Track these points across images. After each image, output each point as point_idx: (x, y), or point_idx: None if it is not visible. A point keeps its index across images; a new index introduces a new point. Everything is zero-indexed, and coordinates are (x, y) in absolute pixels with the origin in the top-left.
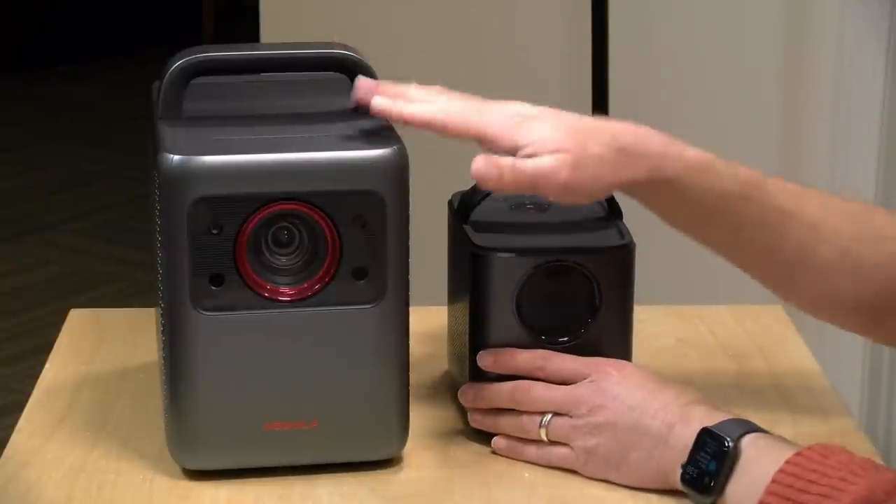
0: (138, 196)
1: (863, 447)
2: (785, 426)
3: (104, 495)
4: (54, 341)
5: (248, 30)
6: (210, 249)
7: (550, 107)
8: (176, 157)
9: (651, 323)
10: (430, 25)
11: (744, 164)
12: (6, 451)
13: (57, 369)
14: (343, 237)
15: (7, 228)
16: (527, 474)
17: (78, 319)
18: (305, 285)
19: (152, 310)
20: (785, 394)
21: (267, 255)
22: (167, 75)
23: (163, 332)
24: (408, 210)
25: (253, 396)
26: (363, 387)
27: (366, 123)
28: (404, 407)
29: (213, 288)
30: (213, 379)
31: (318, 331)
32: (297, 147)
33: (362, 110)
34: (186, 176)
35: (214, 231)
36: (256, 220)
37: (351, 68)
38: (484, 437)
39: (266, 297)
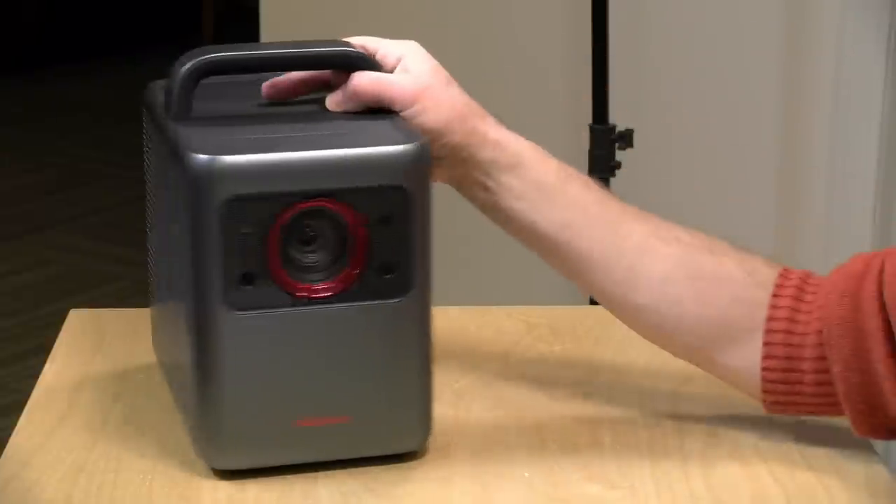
0: (138, 196)
1: (863, 447)
2: (785, 426)
3: (104, 495)
4: (54, 341)
5: (248, 30)
6: (241, 249)
7: (551, 111)
8: (207, 157)
9: None
10: (431, 26)
11: (737, 165)
12: (6, 451)
13: (57, 369)
14: (371, 232)
15: (7, 228)
16: (526, 474)
17: (78, 319)
18: (334, 282)
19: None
20: None
21: (294, 252)
22: (178, 76)
23: (190, 332)
24: (430, 204)
25: (284, 394)
26: (391, 379)
27: (381, 120)
28: (428, 397)
29: (244, 287)
30: (244, 377)
31: (348, 326)
32: (325, 144)
33: (377, 109)
34: (218, 175)
35: (246, 230)
36: (286, 217)
37: (360, 65)
38: (484, 436)
39: (296, 295)
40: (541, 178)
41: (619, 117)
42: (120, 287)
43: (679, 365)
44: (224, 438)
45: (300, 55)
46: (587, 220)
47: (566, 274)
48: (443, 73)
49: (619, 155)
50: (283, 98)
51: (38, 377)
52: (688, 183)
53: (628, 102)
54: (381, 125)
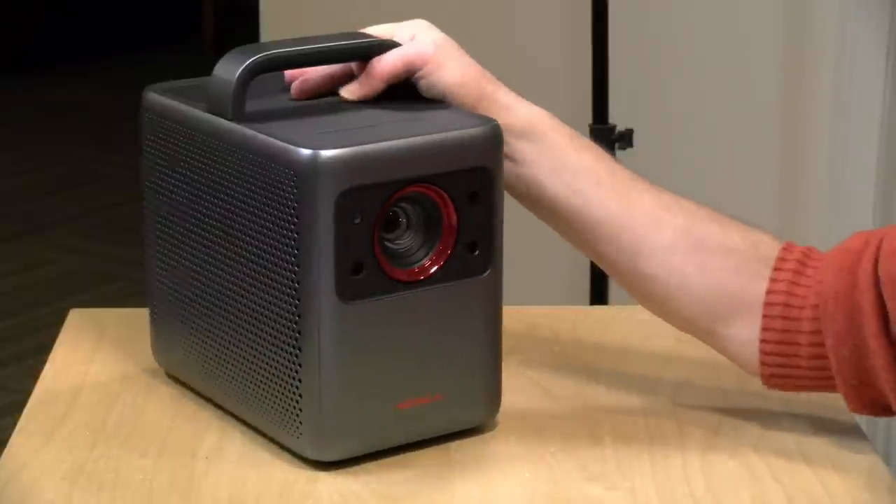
0: (138, 196)
1: (863, 448)
2: (785, 426)
3: (104, 495)
4: (54, 341)
5: (249, 30)
6: (352, 239)
7: (551, 111)
8: (316, 152)
9: (650, 323)
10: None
11: (737, 165)
12: (6, 452)
13: (57, 369)
14: (460, 213)
15: (7, 228)
16: (527, 474)
17: (78, 319)
18: (427, 263)
19: None
20: (785, 394)
21: (389, 238)
22: (235, 76)
23: (298, 326)
24: (503, 181)
25: (387, 379)
26: (474, 353)
27: (421, 103)
28: (500, 369)
29: (354, 277)
30: (352, 366)
31: (442, 306)
32: (416, 131)
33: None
34: (331, 169)
35: (357, 220)
36: (389, 204)
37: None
38: (484, 436)
39: (399, 280)
40: (554, 145)
41: (619, 117)
42: (120, 287)
43: (679, 365)
44: (333, 430)
45: (346, 47)
46: (598, 188)
47: (575, 243)
48: (455, 43)
49: (619, 155)
50: (312, 96)
51: (38, 377)
52: (688, 183)
53: (628, 102)
54: (442, 108)
